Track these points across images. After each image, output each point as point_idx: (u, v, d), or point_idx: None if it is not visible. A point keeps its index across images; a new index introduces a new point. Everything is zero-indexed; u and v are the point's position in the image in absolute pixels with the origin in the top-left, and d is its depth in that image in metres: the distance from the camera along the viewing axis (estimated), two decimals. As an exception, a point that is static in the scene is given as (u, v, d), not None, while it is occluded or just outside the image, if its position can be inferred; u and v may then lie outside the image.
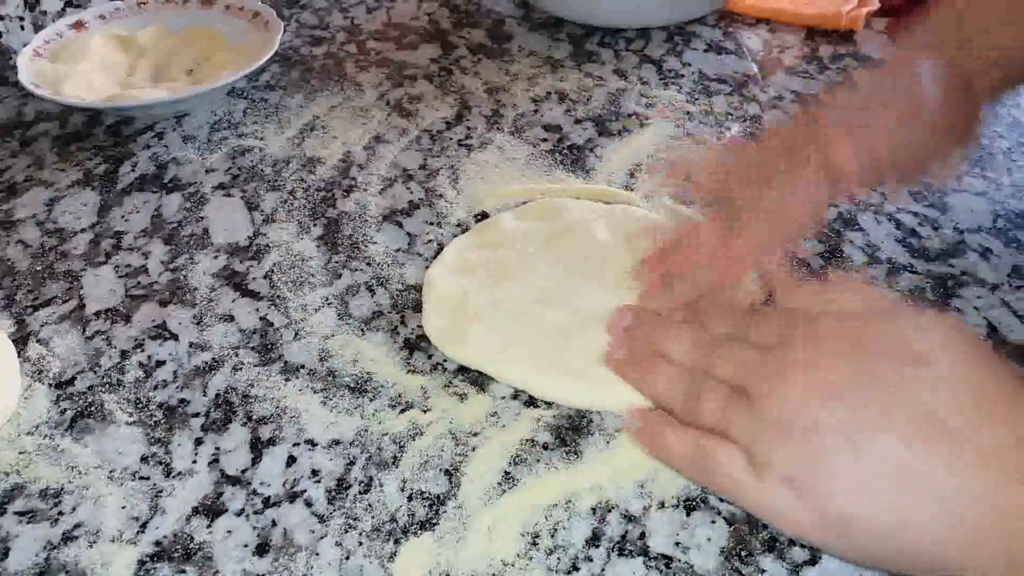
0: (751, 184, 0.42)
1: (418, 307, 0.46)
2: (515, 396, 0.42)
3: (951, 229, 0.53)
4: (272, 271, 0.50)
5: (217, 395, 0.43)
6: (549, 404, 0.42)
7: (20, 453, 0.40)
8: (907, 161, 0.42)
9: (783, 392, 0.32)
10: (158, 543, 0.36)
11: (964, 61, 0.42)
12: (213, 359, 0.45)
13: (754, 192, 0.41)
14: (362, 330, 0.46)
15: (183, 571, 0.35)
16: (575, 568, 0.35)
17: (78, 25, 0.70)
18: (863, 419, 0.30)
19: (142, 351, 0.45)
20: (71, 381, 0.44)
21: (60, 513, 0.37)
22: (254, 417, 0.41)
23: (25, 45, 0.66)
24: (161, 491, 0.38)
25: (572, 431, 0.40)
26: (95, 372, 0.44)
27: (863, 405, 0.31)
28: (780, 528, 0.32)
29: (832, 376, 0.32)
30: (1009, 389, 0.30)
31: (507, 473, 0.39)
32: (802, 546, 0.35)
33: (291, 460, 0.39)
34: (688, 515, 0.37)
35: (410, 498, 0.38)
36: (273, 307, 0.48)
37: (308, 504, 0.37)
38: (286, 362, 0.44)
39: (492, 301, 0.45)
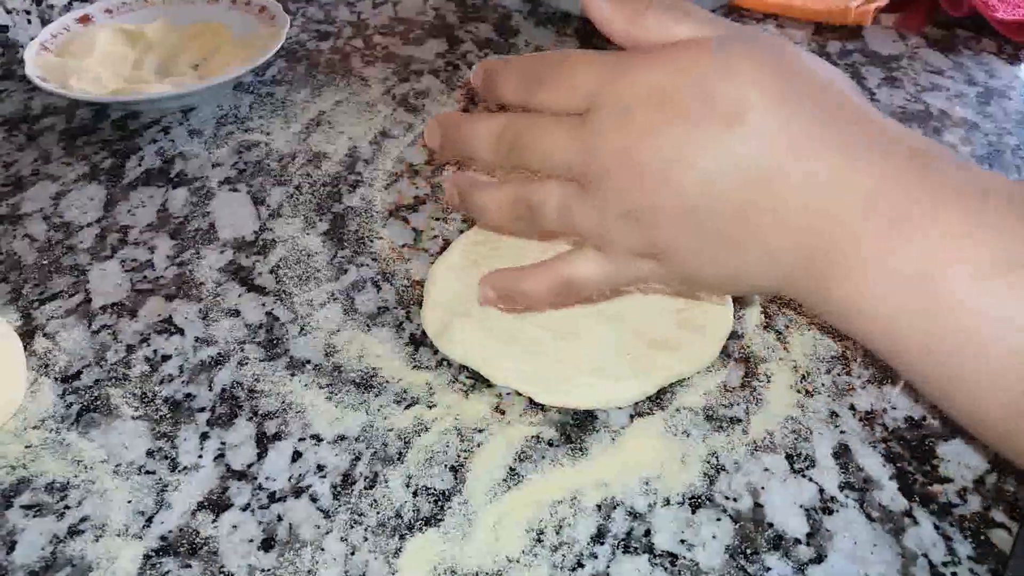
0: None
1: (422, 303, 0.46)
2: (520, 392, 0.42)
3: (959, 226, 0.53)
4: (278, 266, 0.50)
5: (223, 390, 0.43)
6: (554, 400, 0.42)
7: (26, 447, 0.40)
8: None
9: (615, 183, 0.33)
10: (164, 537, 0.36)
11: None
12: (219, 354, 0.45)
13: None
14: (368, 326, 0.46)
15: (188, 565, 0.35)
16: (580, 565, 0.35)
17: (85, 19, 0.70)
18: (695, 193, 0.31)
19: (148, 345, 0.45)
20: (77, 375, 0.44)
21: (66, 507, 0.38)
22: (260, 412, 0.41)
23: (32, 39, 0.66)
24: (167, 485, 0.38)
25: (577, 428, 0.40)
26: (101, 366, 0.44)
27: (692, 176, 0.31)
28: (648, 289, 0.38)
29: (652, 153, 0.31)
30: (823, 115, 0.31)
31: (512, 470, 0.38)
32: (807, 544, 0.35)
33: (296, 455, 0.39)
34: (693, 512, 0.37)
35: (415, 494, 0.38)
36: (279, 302, 0.48)
37: (313, 499, 0.38)
38: (292, 357, 0.44)
39: None
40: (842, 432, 0.40)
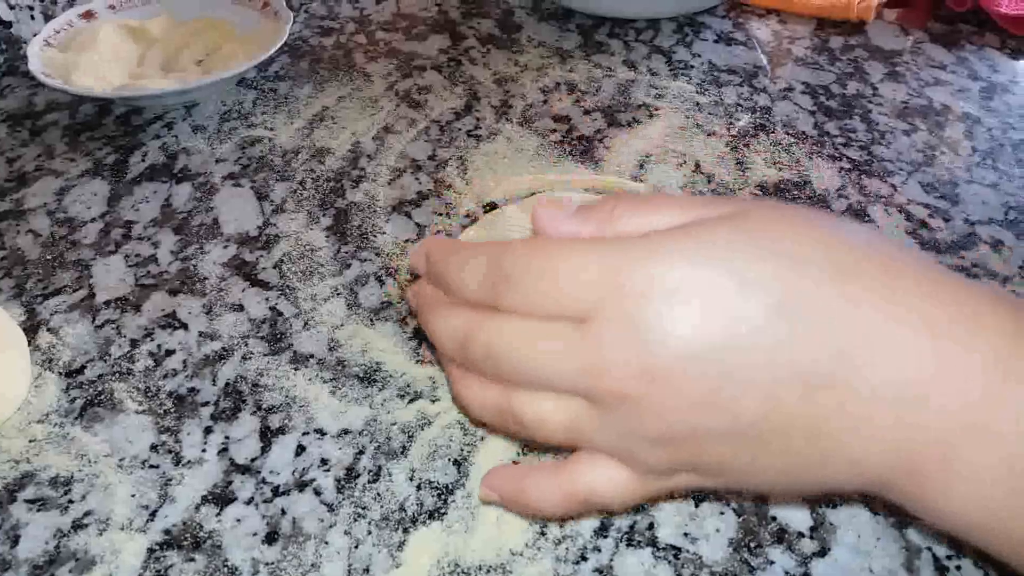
0: None
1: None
2: (524, 387, 0.42)
3: (962, 221, 0.53)
4: (282, 261, 0.50)
5: (227, 384, 0.43)
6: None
7: (30, 441, 0.40)
8: None
9: (641, 407, 0.26)
10: (167, 531, 0.36)
11: None
12: (223, 348, 0.45)
13: None
14: (371, 320, 0.46)
15: (192, 559, 0.35)
16: (583, 558, 0.35)
17: (88, 15, 0.70)
18: (751, 413, 0.25)
19: (152, 340, 0.45)
20: (81, 370, 0.44)
21: (70, 501, 0.38)
22: (263, 406, 0.42)
23: (35, 35, 0.66)
24: (171, 480, 0.38)
25: (581, 422, 0.40)
26: (105, 361, 0.44)
27: (745, 395, 0.25)
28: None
29: (688, 372, 0.25)
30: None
31: (515, 463, 0.38)
32: (811, 538, 0.35)
33: (300, 449, 0.39)
34: (696, 506, 0.37)
35: (419, 487, 0.38)
36: (283, 297, 0.48)
37: (317, 493, 0.38)
38: (295, 352, 0.44)
39: None
40: (845, 426, 0.40)
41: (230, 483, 0.38)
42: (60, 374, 0.44)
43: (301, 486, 0.38)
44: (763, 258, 0.25)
